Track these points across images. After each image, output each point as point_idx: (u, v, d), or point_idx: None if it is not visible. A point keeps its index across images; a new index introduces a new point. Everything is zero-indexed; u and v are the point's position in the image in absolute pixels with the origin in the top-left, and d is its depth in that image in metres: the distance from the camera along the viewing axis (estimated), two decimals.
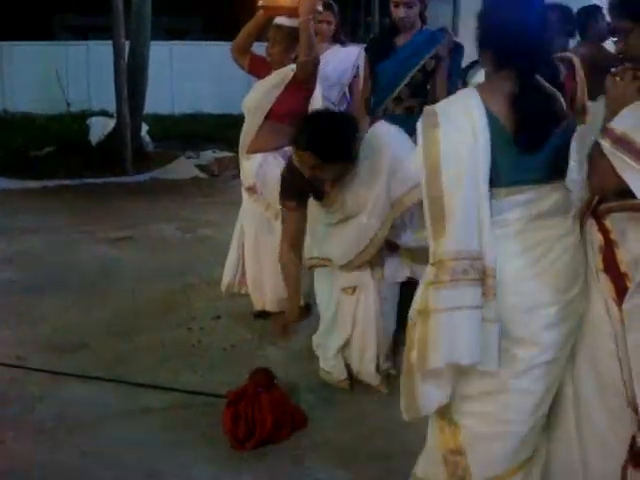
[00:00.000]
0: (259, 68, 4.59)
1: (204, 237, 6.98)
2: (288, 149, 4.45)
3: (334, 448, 3.28)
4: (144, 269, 5.93)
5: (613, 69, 2.39)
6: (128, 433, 3.40)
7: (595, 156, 2.22)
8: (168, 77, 17.08)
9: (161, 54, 14.79)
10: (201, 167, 10.68)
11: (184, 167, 10.68)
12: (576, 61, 4.68)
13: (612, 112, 2.25)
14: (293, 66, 4.38)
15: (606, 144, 2.15)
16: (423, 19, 4.51)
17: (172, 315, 4.89)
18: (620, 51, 2.42)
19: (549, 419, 2.50)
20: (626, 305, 2.22)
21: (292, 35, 4.35)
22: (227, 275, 4.79)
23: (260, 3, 4.38)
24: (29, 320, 4.79)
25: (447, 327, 2.27)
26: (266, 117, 4.49)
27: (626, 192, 2.14)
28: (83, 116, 14.27)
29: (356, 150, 3.40)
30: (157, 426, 3.45)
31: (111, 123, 11.40)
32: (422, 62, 4.37)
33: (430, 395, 2.41)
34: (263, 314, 4.71)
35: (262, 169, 4.52)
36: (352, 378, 3.83)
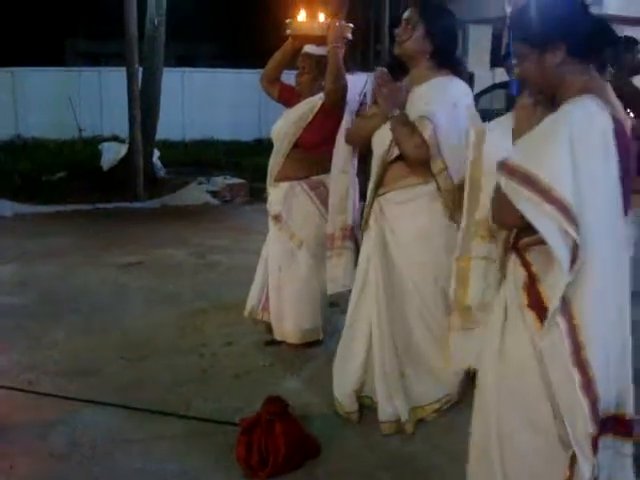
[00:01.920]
0: (289, 97, 4.60)
1: (215, 263, 6.98)
2: (315, 178, 4.44)
3: (348, 477, 3.25)
4: (155, 294, 5.92)
5: (520, 99, 2.48)
6: (141, 460, 3.36)
7: (494, 190, 2.25)
8: (179, 103, 17.20)
9: (172, 80, 14.91)
10: (212, 193, 10.70)
11: (195, 193, 10.70)
12: None
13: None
14: (322, 95, 4.37)
15: (502, 177, 2.17)
16: None
17: (183, 341, 4.87)
18: (517, 76, 2.48)
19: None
20: (542, 343, 2.21)
21: (321, 63, 4.34)
22: (251, 300, 4.75)
23: (288, 32, 4.38)
24: (40, 345, 4.78)
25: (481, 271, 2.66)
26: (294, 145, 4.49)
27: None
28: (95, 142, 14.36)
29: (444, 58, 3.53)
30: (170, 453, 3.42)
31: (123, 149, 11.45)
32: None
33: (458, 348, 2.81)
34: (275, 341, 4.69)
35: (288, 197, 4.52)
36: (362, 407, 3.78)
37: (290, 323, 4.57)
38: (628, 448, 2.31)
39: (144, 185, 10.58)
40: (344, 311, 5.24)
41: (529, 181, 2.09)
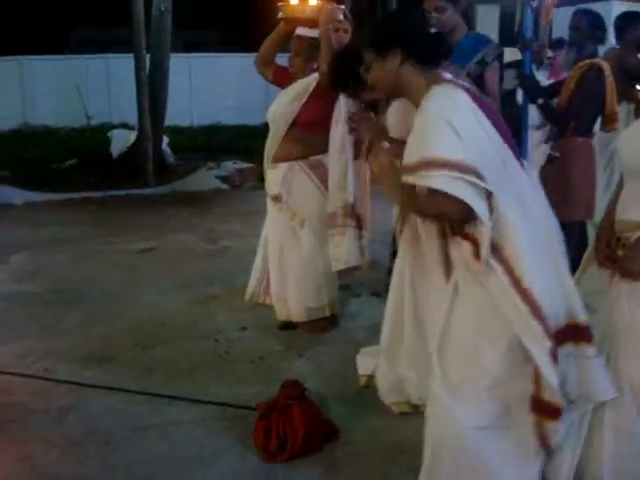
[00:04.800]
0: (282, 79, 4.62)
1: (226, 248, 6.97)
2: (313, 158, 4.45)
3: (366, 460, 3.23)
4: (167, 280, 5.92)
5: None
6: (157, 446, 3.36)
7: (406, 196, 2.56)
8: (187, 89, 17.15)
9: (180, 67, 14.84)
10: (222, 178, 10.66)
11: (205, 178, 10.67)
12: (606, 67, 4.63)
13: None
14: (316, 75, 4.40)
15: (408, 178, 2.44)
16: (468, 22, 4.36)
17: (197, 326, 4.87)
18: (369, 80, 2.77)
19: None
20: (488, 285, 2.47)
21: (313, 45, 4.38)
22: (252, 284, 4.79)
23: (280, 15, 4.43)
24: (54, 332, 4.78)
25: None
26: (291, 126, 4.51)
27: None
28: (103, 129, 14.35)
29: None
30: (187, 439, 3.42)
31: (132, 136, 11.43)
32: (466, 69, 4.09)
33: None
34: (289, 325, 4.69)
35: (287, 178, 4.53)
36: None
37: (294, 302, 4.58)
38: (591, 351, 2.52)
39: (154, 171, 10.55)
40: (356, 294, 5.27)
41: (429, 164, 2.35)
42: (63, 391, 3.89)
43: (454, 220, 2.50)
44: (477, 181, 2.32)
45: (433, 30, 3.51)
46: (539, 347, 2.40)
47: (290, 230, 4.55)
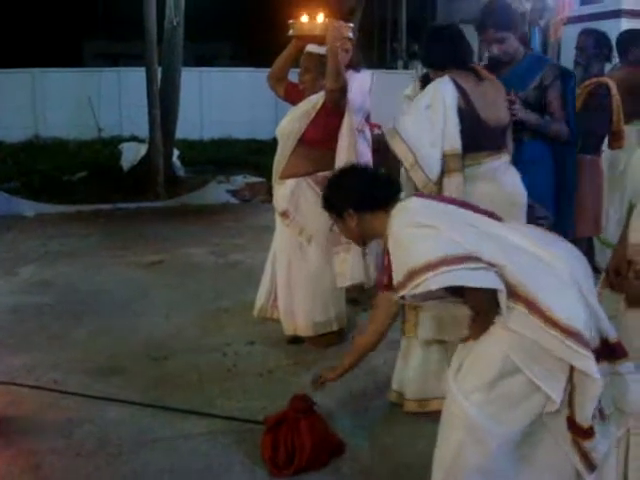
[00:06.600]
0: (293, 95, 4.68)
1: (236, 262, 6.99)
2: (321, 174, 4.48)
3: (373, 476, 3.25)
4: (177, 293, 5.94)
5: None
6: (166, 458, 3.38)
7: None
8: (197, 103, 17.22)
9: (191, 80, 14.92)
10: (232, 192, 10.70)
11: (215, 192, 10.71)
12: (612, 85, 4.66)
13: None
14: (324, 92, 4.43)
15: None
16: (525, 44, 4.26)
17: (206, 340, 4.88)
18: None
19: None
20: (510, 324, 2.47)
21: (323, 62, 4.42)
22: (260, 299, 4.81)
23: (291, 32, 4.47)
24: (64, 344, 4.80)
25: None
26: (299, 142, 4.54)
27: None
28: (114, 142, 14.42)
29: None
30: (195, 452, 3.43)
31: (142, 149, 11.48)
32: (524, 95, 3.95)
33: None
34: (297, 340, 4.71)
35: (295, 194, 4.56)
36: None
37: (302, 316, 4.60)
38: (626, 367, 2.52)
39: (164, 185, 10.59)
40: (364, 308, 5.28)
41: (421, 271, 2.44)
42: (72, 403, 3.91)
43: (484, 303, 2.53)
44: (465, 265, 2.41)
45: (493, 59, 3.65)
46: (581, 358, 2.35)
47: (298, 245, 4.58)
